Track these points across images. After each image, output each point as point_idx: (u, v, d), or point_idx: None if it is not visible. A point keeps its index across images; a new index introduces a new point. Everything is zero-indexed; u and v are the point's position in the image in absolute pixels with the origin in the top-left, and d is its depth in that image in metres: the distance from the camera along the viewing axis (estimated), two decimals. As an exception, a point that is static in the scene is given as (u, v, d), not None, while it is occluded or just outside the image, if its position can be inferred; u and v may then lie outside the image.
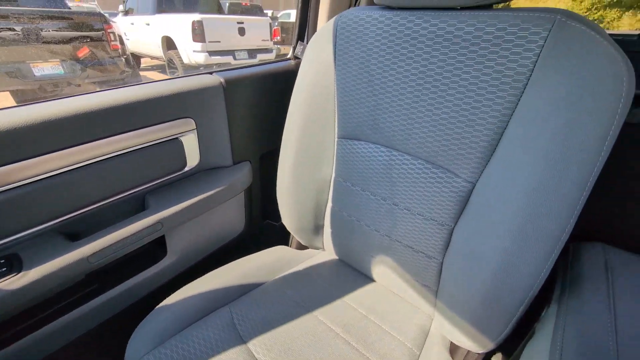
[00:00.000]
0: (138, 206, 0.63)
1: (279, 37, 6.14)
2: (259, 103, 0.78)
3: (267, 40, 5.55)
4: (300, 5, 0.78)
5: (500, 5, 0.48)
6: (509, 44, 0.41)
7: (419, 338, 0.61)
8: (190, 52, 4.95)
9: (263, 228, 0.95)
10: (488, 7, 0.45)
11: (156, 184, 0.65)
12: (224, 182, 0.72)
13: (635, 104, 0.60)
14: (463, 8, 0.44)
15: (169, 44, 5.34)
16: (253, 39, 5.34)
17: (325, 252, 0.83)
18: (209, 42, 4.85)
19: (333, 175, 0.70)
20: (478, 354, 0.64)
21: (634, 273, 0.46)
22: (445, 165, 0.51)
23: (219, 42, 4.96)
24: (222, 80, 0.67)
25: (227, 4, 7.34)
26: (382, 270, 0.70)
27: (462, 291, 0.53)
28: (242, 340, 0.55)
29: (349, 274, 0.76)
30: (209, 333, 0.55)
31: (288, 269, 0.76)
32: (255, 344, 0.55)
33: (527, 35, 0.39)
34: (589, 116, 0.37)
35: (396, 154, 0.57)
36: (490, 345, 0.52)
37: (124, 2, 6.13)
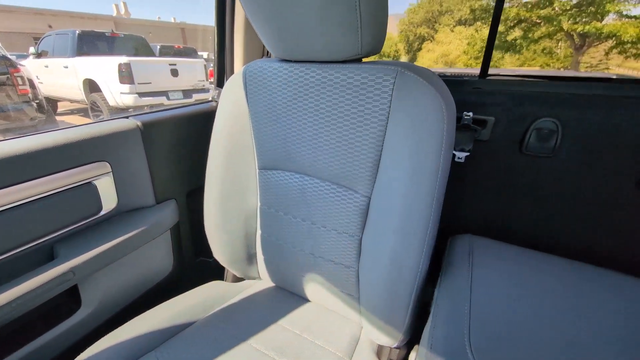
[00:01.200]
0: (47, 257, 0.59)
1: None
2: (181, 143, 0.81)
3: (203, 80, 5.62)
4: (216, 55, 0.87)
5: (370, 58, 0.62)
6: (371, 89, 0.53)
7: (350, 347, 0.66)
8: (117, 94, 4.73)
9: (196, 266, 0.93)
10: (358, 60, 0.58)
11: (67, 231, 0.62)
12: (146, 222, 0.72)
13: (481, 126, 0.79)
14: (337, 61, 0.56)
15: (91, 86, 5.03)
16: (187, 79, 5.35)
17: (262, 281, 0.85)
18: (139, 83, 4.70)
19: (259, 204, 0.75)
20: (398, 350, 0.71)
21: (489, 254, 0.59)
22: (347, 184, 0.61)
23: (150, 83, 4.85)
24: (138, 123, 0.70)
25: (158, 47, 7.27)
26: (313, 287, 0.75)
27: (374, 292, 0.61)
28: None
29: (285, 298, 0.79)
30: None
31: (222, 303, 0.76)
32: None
33: (382, 82, 0.52)
34: (426, 140, 0.49)
35: (308, 179, 0.65)
36: (400, 336, 0.59)
37: (35, 44, 5.66)
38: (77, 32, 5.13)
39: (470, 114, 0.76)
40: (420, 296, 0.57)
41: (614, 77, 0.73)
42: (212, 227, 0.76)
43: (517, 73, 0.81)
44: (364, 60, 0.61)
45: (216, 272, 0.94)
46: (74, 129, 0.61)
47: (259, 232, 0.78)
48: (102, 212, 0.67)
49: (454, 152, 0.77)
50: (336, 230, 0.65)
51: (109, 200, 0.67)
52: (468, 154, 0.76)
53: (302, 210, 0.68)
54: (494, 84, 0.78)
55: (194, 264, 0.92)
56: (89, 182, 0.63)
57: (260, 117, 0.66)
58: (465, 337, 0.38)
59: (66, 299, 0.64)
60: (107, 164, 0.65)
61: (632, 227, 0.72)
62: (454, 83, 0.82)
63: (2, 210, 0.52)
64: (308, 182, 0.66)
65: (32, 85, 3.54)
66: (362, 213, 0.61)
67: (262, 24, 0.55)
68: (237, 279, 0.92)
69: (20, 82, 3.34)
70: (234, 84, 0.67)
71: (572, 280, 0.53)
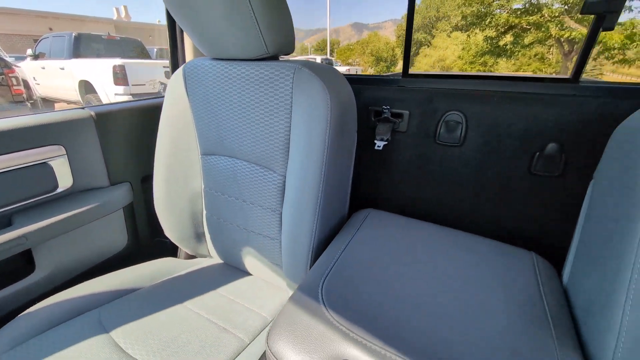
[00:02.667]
0: (5, 225, 0.69)
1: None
2: (134, 132, 0.91)
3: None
4: (170, 52, 0.98)
5: (286, 57, 0.73)
6: (278, 83, 0.63)
7: (276, 310, 0.75)
8: (112, 95, 4.85)
9: (153, 245, 1.03)
10: (274, 58, 0.68)
11: (25, 204, 0.72)
12: (99, 200, 0.81)
13: (399, 119, 0.89)
14: (253, 59, 0.66)
15: (87, 87, 5.16)
16: (181, 81, 5.48)
17: (212, 259, 0.95)
18: (133, 85, 4.83)
19: (203, 186, 0.85)
20: None
21: (377, 222, 0.69)
22: (267, 165, 0.71)
23: (144, 85, 4.98)
24: (92, 113, 0.80)
25: (155, 50, 7.40)
26: (250, 261, 0.84)
27: (290, 259, 0.70)
28: (105, 331, 0.62)
29: (229, 272, 0.88)
30: (72, 330, 0.61)
31: (169, 275, 0.85)
32: (118, 333, 0.62)
33: (284, 77, 0.62)
34: (314, 127, 0.59)
35: (237, 162, 0.75)
36: None
37: (33, 46, 5.79)
38: (74, 34, 5.25)
39: (388, 107, 0.86)
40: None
41: (510, 75, 0.83)
42: (160, 207, 0.86)
43: (432, 73, 0.92)
44: (282, 58, 0.71)
45: (172, 251, 1.04)
46: (31, 115, 0.71)
47: (204, 212, 0.88)
48: (59, 190, 0.77)
49: (375, 140, 0.87)
50: (261, 206, 0.75)
51: (64, 179, 0.77)
52: (386, 142, 0.86)
53: (235, 190, 0.78)
54: (413, 82, 0.89)
55: (151, 244, 1.02)
56: (45, 163, 0.73)
57: (199, 109, 0.76)
58: (321, 281, 0.48)
59: (24, 264, 0.73)
60: (62, 147, 0.75)
61: (524, 205, 0.82)
62: (383, 82, 0.92)
63: None
64: (238, 165, 0.76)
65: (26, 85, 3.66)
66: (280, 190, 0.71)
67: (187, 28, 0.65)
68: (190, 257, 1.02)
69: (14, 82, 3.45)
70: (176, 80, 0.77)
71: (440, 242, 0.62)
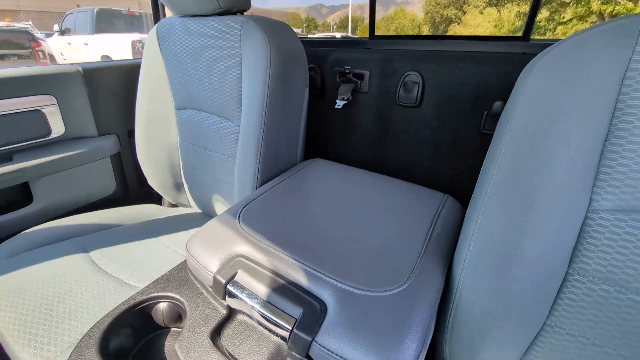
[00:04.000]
0: (7, 161, 0.81)
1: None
2: (120, 88, 1.00)
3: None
4: (152, 12, 1.05)
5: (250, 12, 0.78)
6: (229, 37, 0.69)
7: None
8: (131, 70, 5.04)
9: (141, 195, 1.15)
10: (233, 13, 0.73)
11: (24, 145, 0.84)
12: (89, 146, 0.93)
13: (360, 79, 0.92)
14: (211, 14, 0.72)
15: (108, 62, 5.38)
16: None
17: (192, 209, 1.05)
18: (150, 60, 4.98)
19: (178, 139, 0.94)
20: None
21: (316, 169, 0.75)
22: (226, 115, 0.78)
23: (161, 60, 5.12)
24: (80, 69, 0.89)
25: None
26: (220, 208, 0.93)
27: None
28: (86, 252, 0.74)
29: (205, 220, 0.98)
30: (58, 250, 0.73)
31: (150, 217, 0.96)
32: (96, 254, 0.74)
33: (234, 30, 0.68)
34: (257, 75, 0.65)
35: (203, 114, 0.83)
36: None
37: (60, 22, 6.05)
38: (95, 10, 5.43)
39: (349, 68, 0.90)
40: None
41: (466, 36, 0.84)
42: (142, 158, 0.96)
43: (396, 35, 0.93)
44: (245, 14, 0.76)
45: (157, 202, 1.15)
46: (24, 67, 0.82)
47: (181, 163, 0.97)
48: (53, 136, 0.89)
49: (337, 100, 0.91)
50: (224, 155, 0.83)
51: (57, 126, 0.88)
52: (347, 102, 0.90)
53: (203, 141, 0.86)
54: (380, 44, 0.91)
55: (139, 193, 1.14)
56: (38, 110, 0.84)
57: (171, 65, 0.84)
58: (244, 205, 0.55)
59: (24, 196, 0.86)
60: (53, 97, 0.85)
61: (476, 164, 0.84)
62: (350, 44, 0.95)
63: None
64: (203, 117, 0.84)
65: (52, 59, 3.88)
66: (236, 138, 0.78)
67: None
68: (173, 207, 1.13)
69: (41, 55, 3.67)
70: (150, 39, 0.85)
71: (366, 185, 0.68)
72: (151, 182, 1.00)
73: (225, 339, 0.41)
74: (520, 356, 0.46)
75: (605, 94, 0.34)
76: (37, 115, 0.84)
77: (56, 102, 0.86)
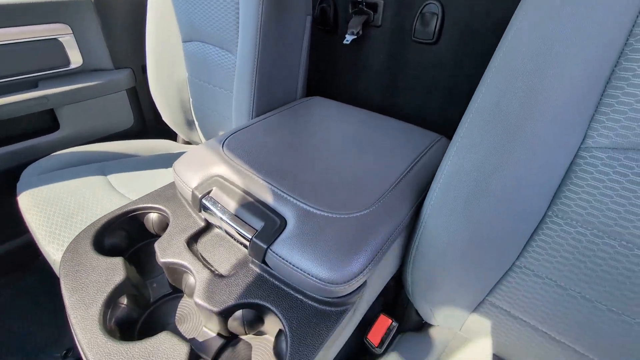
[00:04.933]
0: (33, 87, 0.88)
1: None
2: (132, 20, 1.00)
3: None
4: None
5: None
6: None
7: None
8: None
9: (158, 130, 1.21)
10: None
11: (48, 74, 0.90)
12: (106, 78, 0.97)
13: (373, 10, 0.83)
14: None
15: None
16: None
17: None
18: None
19: (187, 74, 0.94)
20: None
21: (312, 105, 0.73)
22: (227, 47, 0.76)
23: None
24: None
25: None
26: None
27: None
28: (104, 174, 0.82)
29: None
30: (80, 171, 0.81)
31: (164, 151, 1.02)
32: (113, 177, 0.82)
33: None
34: (249, 7, 0.62)
35: (206, 46, 0.82)
36: None
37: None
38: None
39: None
40: None
41: None
42: (154, 93, 0.99)
43: None
44: None
45: (173, 138, 1.21)
46: (38, -6, 0.84)
47: (191, 100, 0.99)
48: (72, 66, 0.93)
49: (346, 34, 0.85)
50: (226, 90, 0.83)
51: (75, 57, 0.93)
52: (355, 37, 0.83)
53: (208, 75, 0.86)
54: None
55: (156, 129, 1.20)
56: (55, 39, 0.87)
57: None
58: (226, 138, 0.56)
59: (52, 124, 0.95)
60: (68, 27, 0.88)
61: None
62: None
63: None
64: (207, 49, 0.83)
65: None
66: (233, 70, 0.77)
67: None
68: (187, 144, 1.19)
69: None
70: None
71: (361, 122, 0.65)
72: (165, 118, 1.05)
73: (200, 246, 0.45)
74: (484, 296, 0.46)
75: (617, 20, 0.28)
76: (55, 44, 0.87)
77: (71, 32, 0.88)
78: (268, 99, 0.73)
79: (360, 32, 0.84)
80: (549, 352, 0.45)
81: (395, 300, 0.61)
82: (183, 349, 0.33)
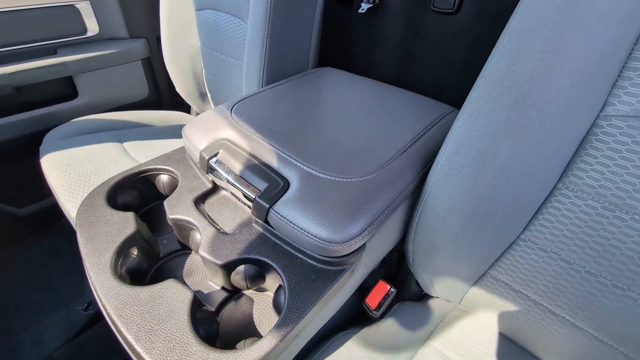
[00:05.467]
0: (52, 54, 0.91)
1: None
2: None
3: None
4: None
5: None
6: None
7: None
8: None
9: (173, 102, 1.23)
10: None
11: (66, 41, 0.91)
12: (120, 48, 0.98)
13: None
14: None
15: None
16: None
17: None
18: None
19: (200, 44, 0.94)
20: None
21: (322, 75, 0.72)
22: (239, 14, 0.75)
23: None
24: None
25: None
26: None
27: None
28: (120, 141, 0.85)
29: None
30: (98, 137, 0.84)
31: (176, 122, 1.04)
32: (129, 145, 0.84)
33: None
34: None
35: (219, 14, 0.81)
36: None
37: None
38: None
39: None
40: None
41: None
42: (168, 62, 1.00)
43: None
44: None
45: (187, 110, 1.23)
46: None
47: (204, 71, 0.99)
48: (89, 34, 0.95)
49: (362, 3, 0.81)
50: (237, 60, 0.82)
51: (92, 25, 0.94)
52: (372, 5, 0.80)
53: (219, 45, 0.86)
54: None
55: (171, 101, 1.21)
56: (72, 5, 0.88)
57: None
58: (234, 104, 0.56)
59: (72, 91, 0.98)
60: (84, -8, 0.89)
61: None
62: None
63: (10, 11, 0.81)
64: (219, 17, 0.82)
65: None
66: (244, 39, 0.76)
67: None
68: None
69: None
70: None
71: (372, 93, 0.64)
72: (178, 89, 1.06)
73: (207, 206, 0.47)
74: (486, 269, 0.46)
75: None
76: (72, 11, 0.89)
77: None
78: (278, 69, 0.72)
79: (377, 0, 0.81)
80: (549, 326, 0.45)
81: (397, 272, 0.61)
82: (187, 295, 0.34)
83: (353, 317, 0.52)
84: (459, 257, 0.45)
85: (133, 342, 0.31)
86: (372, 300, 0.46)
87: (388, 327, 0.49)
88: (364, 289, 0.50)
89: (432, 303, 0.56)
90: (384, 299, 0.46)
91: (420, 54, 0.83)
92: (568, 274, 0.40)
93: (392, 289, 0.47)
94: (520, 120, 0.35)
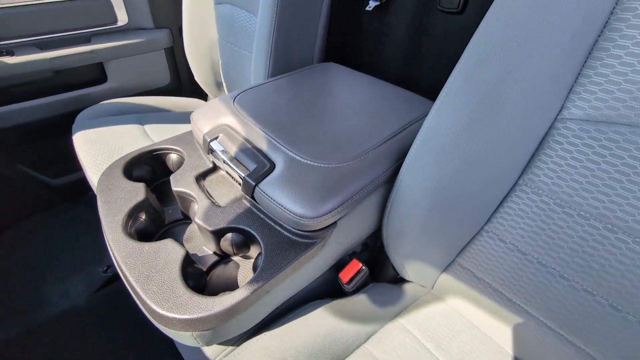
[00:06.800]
0: (87, 42, 1.01)
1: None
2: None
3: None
4: None
5: None
6: None
7: None
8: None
9: (193, 89, 1.31)
10: None
11: (99, 30, 1.01)
12: (146, 37, 1.07)
13: None
14: None
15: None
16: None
17: None
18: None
19: (217, 36, 1.01)
20: None
21: (324, 70, 0.76)
22: (252, 10, 0.81)
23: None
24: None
25: None
26: None
27: None
28: (141, 124, 0.94)
29: None
30: (122, 119, 0.93)
31: (194, 109, 1.12)
32: (148, 127, 0.93)
33: None
34: None
35: (235, 9, 0.87)
36: None
37: None
38: None
39: None
40: None
41: None
42: (188, 52, 1.07)
43: None
44: None
45: (205, 98, 1.31)
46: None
47: (220, 62, 1.06)
48: (119, 24, 1.04)
49: (370, 0, 0.85)
50: (247, 51, 0.88)
51: (122, 15, 1.03)
52: (379, 3, 0.83)
53: (235, 38, 0.92)
54: None
55: (190, 89, 1.30)
56: (105, -3, 0.98)
57: None
58: (238, 94, 0.62)
59: (102, 76, 1.08)
60: (116, -14, 0.98)
61: None
62: None
63: (51, 2, 0.91)
64: (236, 12, 0.88)
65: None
66: (253, 28, 0.82)
67: None
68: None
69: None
70: None
71: (366, 89, 0.67)
72: (197, 78, 1.13)
73: (206, 182, 0.53)
74: (454, 257, 0.50)
75: None
76: (105, 2, 0.98)
77: (119, -8, 0.98)
78: (284, 62, 0.77)
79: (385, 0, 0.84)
80: (507, 313, 0.48)
81: (379, 256, 0.66)
82: (180, 252, 0.41)
83: (330, 292, 0.58)
84: (426, 243, 0.49)
85: (134, 284, 0.38)
86: (345, 275, 0.51)
87: (360, 301, 0.54)
88: (343, 267, 0.56)
89: (406, 286, 0.60)
90: (356, 275, 0.51)
91: (426, 53, 0.85)
92: (523, 264, 0.43)
93: (364, 267, 0.52)
94: (481, 120, 0.38)
